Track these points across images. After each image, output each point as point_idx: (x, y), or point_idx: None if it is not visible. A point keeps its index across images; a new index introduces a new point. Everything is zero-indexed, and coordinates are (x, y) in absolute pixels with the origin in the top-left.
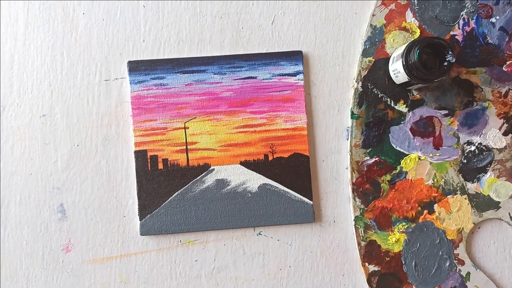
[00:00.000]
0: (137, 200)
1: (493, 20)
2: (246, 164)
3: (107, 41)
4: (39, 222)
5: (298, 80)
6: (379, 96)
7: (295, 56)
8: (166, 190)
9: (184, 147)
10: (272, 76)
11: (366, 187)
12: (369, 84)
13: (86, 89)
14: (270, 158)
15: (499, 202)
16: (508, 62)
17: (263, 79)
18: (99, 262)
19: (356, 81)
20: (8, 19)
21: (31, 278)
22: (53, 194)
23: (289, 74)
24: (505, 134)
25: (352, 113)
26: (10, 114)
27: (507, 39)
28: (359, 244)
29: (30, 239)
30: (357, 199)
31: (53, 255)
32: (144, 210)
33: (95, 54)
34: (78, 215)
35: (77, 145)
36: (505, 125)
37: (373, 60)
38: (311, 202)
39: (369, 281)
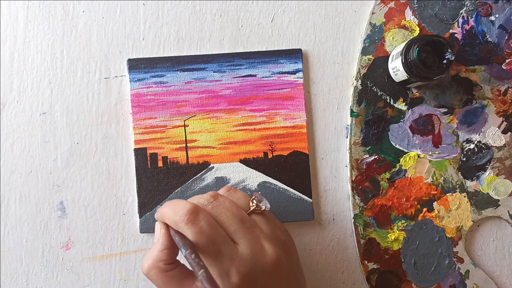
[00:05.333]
0: (136, 198)
1: (492, 18)
2: (245, 162)
3: (106, 39)
4: (39, 219)
5: (298, 78)
6: (379, 94)
7: (295, 54)
8: (165, 187)
9: (184, 145)
10: (272, 74)
11: (365, 185)
12: (368, 82)
13: (86, 87)
14: (270, 156)
15: (498, 200)
16: (507, 60)
17: (263, 77)
18: (99, 259)
19: (355, 79)
20: (8, 17)
21: (31, 275)
22: (53, 192)
23: (288, 72)
24: (504, 132)
25: (352, 111)
26: (10, 112)
27: (506, 37)
28: (358, 242)
29: (30, 236)
30: (356, 197)
31: (53, 253)
32: (143, 207)
33: (94, 52)
34: (78, 212)
35: (77, 143)
36: (505, 123)
37: (373, 58)
38: (310, 200)
39: (368, 279)
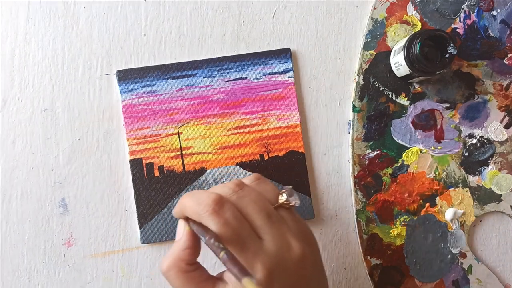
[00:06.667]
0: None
1: (494, 13)
2: (242, 165)
3: (108, 35)
4: (40, 216)
5: (289, 77)
6: (381, 89)
7: (284, 54)
8: (164, 196)
9: (179, 153)
10: (262, 76)
11: (367, 180)
12: (370, 78)
13: (87, 83)
14: (266, 157)
15: (500, 195)
16: (509, 55)
17: (253, 79)
18: (101, 256)
19: (357, 75)
20: (9, 13)
21: (33, 272)
22: (55, 189)
23: (278, 73)
24: (506, 127)
25: (354, 107)
26: (11, 108)
27: (508, 32)
28: (361, 237)
29: (32, 233)
30: (359, 193)
31: (55, 250)
32: (143, 218)
33: (96, 48)
34: (80, 209)
35: (79, 139)
36: (507, 118)
37: (374, 53)
38: (310, 199)
39: (371, 274)
